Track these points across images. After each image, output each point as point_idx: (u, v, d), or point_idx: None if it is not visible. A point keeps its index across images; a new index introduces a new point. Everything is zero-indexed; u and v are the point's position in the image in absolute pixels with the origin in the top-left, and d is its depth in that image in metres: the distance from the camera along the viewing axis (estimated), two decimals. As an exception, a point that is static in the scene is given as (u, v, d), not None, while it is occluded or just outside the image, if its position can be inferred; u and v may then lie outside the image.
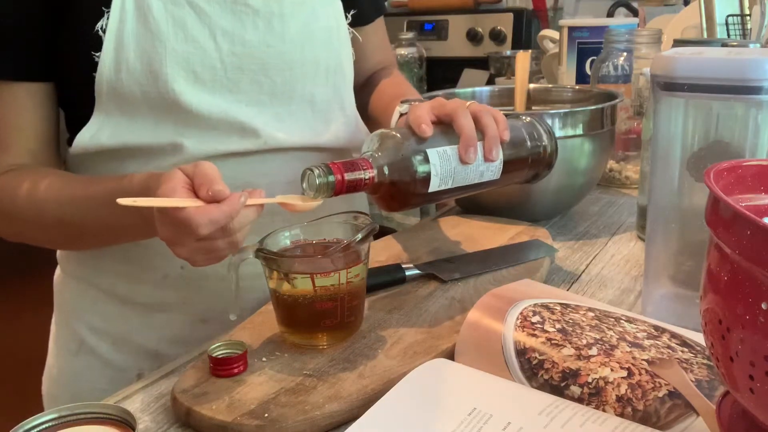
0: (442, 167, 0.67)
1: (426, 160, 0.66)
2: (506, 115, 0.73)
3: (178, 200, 0.57)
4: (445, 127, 0.69)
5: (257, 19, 0.77)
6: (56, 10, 0.73)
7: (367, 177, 0.64)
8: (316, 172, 0.61)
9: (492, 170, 0.71)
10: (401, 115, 0.81)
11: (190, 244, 0.59)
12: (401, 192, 0.66)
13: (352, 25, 0.89)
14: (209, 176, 0.58)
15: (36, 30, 0.74)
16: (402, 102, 0.82)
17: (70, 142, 0.80)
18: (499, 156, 0.70)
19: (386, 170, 0.65)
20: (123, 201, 0.56)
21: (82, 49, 0.73)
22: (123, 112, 0.75)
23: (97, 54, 0.73)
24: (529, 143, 0.76)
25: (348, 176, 0.62)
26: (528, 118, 0.78)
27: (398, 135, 0.67)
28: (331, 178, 0.62)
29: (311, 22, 0.81)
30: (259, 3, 0.77)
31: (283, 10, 0.79)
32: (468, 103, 0.71)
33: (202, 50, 0.75)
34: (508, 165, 0.72)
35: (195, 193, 0.58)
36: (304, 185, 0.62)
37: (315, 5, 0.82)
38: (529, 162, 0.76)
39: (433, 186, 0.67)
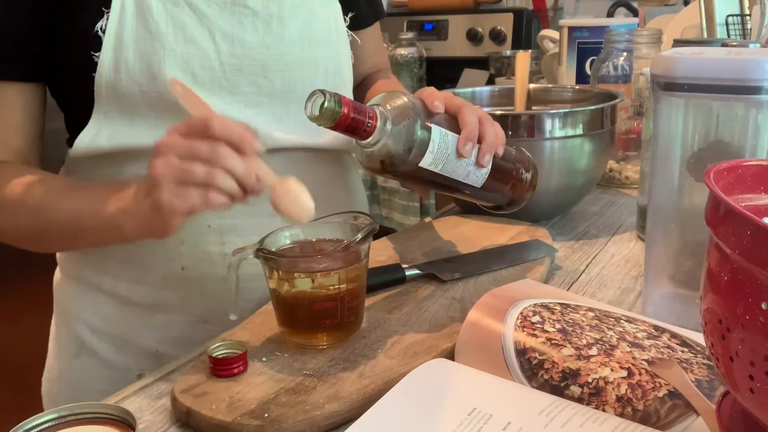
0: (439, 147, 0.67)
1: (427, 133, 0.66)
2: None
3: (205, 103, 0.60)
4: (450, 118, 0.70)
5: (256, 21, 0.77)
6: (56, 10, 0.73)
7: (369, 124, 0.63)
8: (327, 96, 0.60)
9: (477, 176, 0.72)
10: None
11: (170, 158, 0.57)
12: (392, 155, 0.66)
13: (350, 28, 0.89)
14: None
15: (30, 30, 0.74)
16: None
17: (70, 143, 0.80)
18: (489, 165, 0.71)
19: (389, 127, 0.65)
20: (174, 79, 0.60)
21: (82, 49, 0.73)
22: (122, 113, 0.75)
23: (96, 54, 0.73)
24: (514, 169, 0.77)
25: (354, 114, 0.62)
26: (520, 148, 0.80)
27: (408, 100, 0.67)
28: (338, 109, 0.61)
29: (310, 22, 0.81)
30: (259, 4, 0.77)
31: (282, 12, 0.79)
32: (475, 106, 0.72)
33: (202, 51, 0.75)
34: (492, 178, 0.73)
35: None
36: (308, 105, 0.61)
37: (314, 6, 0.82)
38: (508, 186, 0.77)
39: (425, 162, 0.67)
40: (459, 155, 0.69)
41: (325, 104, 0.60)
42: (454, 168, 0.70)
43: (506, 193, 0.78)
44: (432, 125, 0.67)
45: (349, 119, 0.61)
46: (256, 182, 0.58)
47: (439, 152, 0.68)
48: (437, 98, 0.68)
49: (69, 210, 0.70)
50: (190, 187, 0.57)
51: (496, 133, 0.72)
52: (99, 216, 0.66)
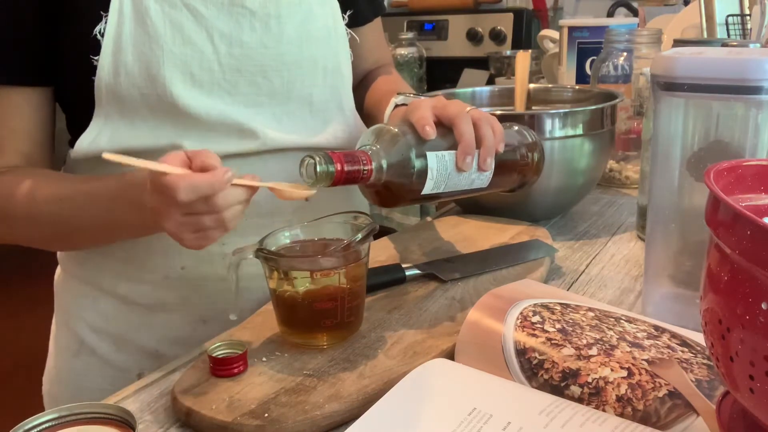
0: (438, 171, 0.67)
1: (424, 161, 0.66)
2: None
3: (165, 166, 0.58)
4: (444, 130, 0.69)
5: (254, 21, 0.77)
6: (54, 15, 0.73)
7: (365, 170, 0.63)
8: (317, 159, 0.61)
9: (482, 179, 0.72)
10: (396, 105, 0.81)
11: (174, 215, 0.59)
12: (395, 189, 0.66)
13: (349, 25, 0.89)
14: (208, 154, 0.59)
15: (33, 35, 0.74)
16: (398, 94, 0.82)
17: (72, 143, 0.80)
18: (492, 166, 0.71)
19: (384, 165, 0.65)
20: (108, 156, 0.56)
21: (81, 53, 0.73)
22: (122, 115, 0.75)
23: (95, 58, 0.73)
24: (518, 153, 0.77)
25: (347, 167, 0.62)
26: (516, 127, 0.79)
27: (398, 132, 0.67)
28: (331, 168, 0.61)
29: (308, 22, 0.81)
30: (256, 5, 0.77)
31: (280, 11, 0.79)
32: (468, 108, 0.72)
33: (200, 53, 0.75)
34: (497, 172, 0.73)
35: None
36: (303, 171, 0.62)
37: (312, 5, 0.82)
38: (516, 171, 0.77)
39: (427, 188, 0.67)
40: (459, 170, 0.68)
41: (318, 168, 0.61)
42: (457, 182, 0.69)
43: (514, 180, 0.77)
44: (427, 153, 0.66)
45: (344, 174, 0.62)
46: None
47: (439, 176, 0.67)
48: (427, 123, 0.67)
49: (93, 218, 0.73)
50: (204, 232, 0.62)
51: (493, 131, 0.70)
52: (126, 226, 0.72)
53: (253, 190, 0.61)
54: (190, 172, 0.58)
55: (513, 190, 0.80)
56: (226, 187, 0.58)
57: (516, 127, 0.79)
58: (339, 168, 0.61)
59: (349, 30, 0.89)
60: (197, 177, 0.57)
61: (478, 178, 0.71)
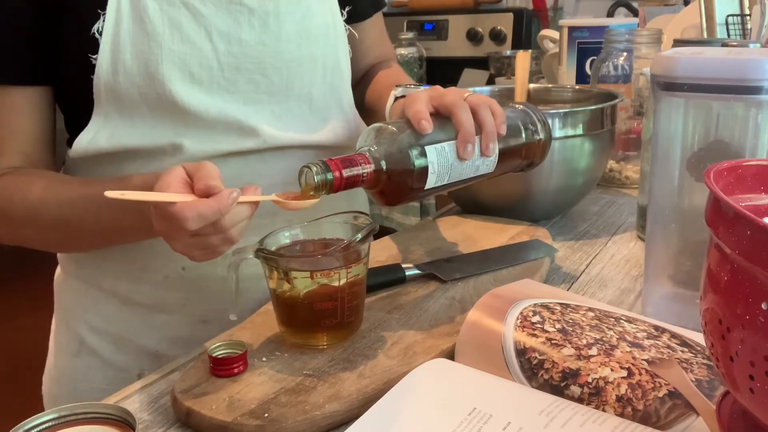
0: (439, 164, 0.66)
1: (423, 156, 0.66)
2: (501, 105, 0.73)
3: (167, 195, 0.57)
4: (443, 120, 0.69)
5: (253, 19, 0.77)
6: (52, 13, 0.73)
7: (365, 173, 0.63)
8: (314, 169, 0.60)
9: (487, 164, 0.71)
10: (396, 98, 0.81)
11: (183, 238, 0.60)
12: (397, 187, 0.66)
13: (348, 21, 0.89)
14: (209, 173, 0.59)
15: (32, 34, 0.74)
16: (397, 86, 0.82)
17: (70, 143, 0.80)
18: (495, 151, 0.70)
19: (383, 165, 0.64)
20: (110, 194, 0.56)
21: (80, 51, 0.73)
22: (121, 114, 0.75)
23: (94, 56, 0.73)
24: (523, 133, 0.75)
25: (346, 173, 0.62)
26: (521, 107, 0.78)
27: (395, 129, 0.67)
28: (330, 176, 0.61)
29: (307, 19, 0.81)
30: (255, 2, 0.77)
31: (278, 9, 0.79)
32: (466, 94, 0.71)
33: (199, 51, 0.75)
34: (503, 155, 0.72)
35: (193, 189, 0.59)
36: (302, 182, 0.62)
37: (311, 3, 0.82)
38: (523, 151, 0.76)
39: (430, 183, 0.67)
40: (461, 159, 0.68)
41: (315, 177, 0.60)
42: (461, 171, 0.69)
43: (521, 161, 0.76)
44: (426, 148, 0.66)
45: (343, 180, 0.62)
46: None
47: (441, 168, 0.67)
48: (423, 117, 0.66)
49: (95, 223, 0.72)
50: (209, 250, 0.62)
51: (493, 114, 0.69)
52: (128, 232, 0.73)
53: (256, 203, 0.61)
54: (195, 198, 0.58)
55: (522, 170, 0.78)
56: (232, 208, 0.58)
57: (520, 106, 0.78)
58: (337, 175, 0.61)
59: (348, 26, 0.89)
60: (203, 205, 0.57)
61: (483, 163, 0.70)
